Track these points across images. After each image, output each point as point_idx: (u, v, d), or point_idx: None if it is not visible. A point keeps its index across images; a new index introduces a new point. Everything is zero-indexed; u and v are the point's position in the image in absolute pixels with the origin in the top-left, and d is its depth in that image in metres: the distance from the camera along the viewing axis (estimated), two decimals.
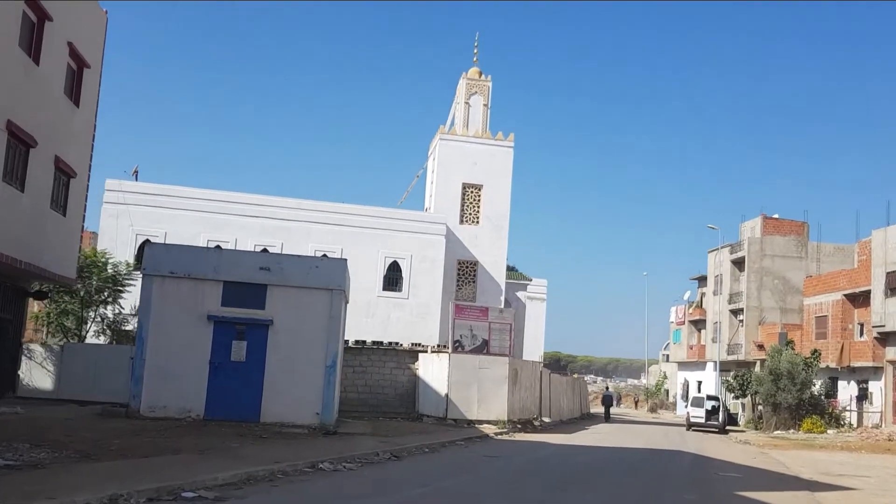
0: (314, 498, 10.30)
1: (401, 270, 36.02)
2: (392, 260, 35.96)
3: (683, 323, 62.69)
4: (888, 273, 35.55)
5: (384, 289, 35.84)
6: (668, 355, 73.72)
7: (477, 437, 22.41)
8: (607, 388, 66.31)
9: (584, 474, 15.29)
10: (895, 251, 35.54)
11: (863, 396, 38.46)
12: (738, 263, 52.12)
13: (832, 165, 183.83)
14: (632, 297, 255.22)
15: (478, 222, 38.94)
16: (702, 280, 60.97)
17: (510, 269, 49.39)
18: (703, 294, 60.79)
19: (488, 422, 25.94)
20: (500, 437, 23.96)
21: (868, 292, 37.43)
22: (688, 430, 37.72)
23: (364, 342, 28.43)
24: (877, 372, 37.17)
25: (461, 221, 38.71)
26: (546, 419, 33.15)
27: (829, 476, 17.65)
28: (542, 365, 36.24)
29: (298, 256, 20.34)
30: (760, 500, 12.91)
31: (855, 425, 37.36)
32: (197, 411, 18.81)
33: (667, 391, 72.16)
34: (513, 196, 39.42)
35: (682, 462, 20.12)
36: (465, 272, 38.73)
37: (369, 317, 35.16)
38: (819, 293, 42.95)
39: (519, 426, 27.23)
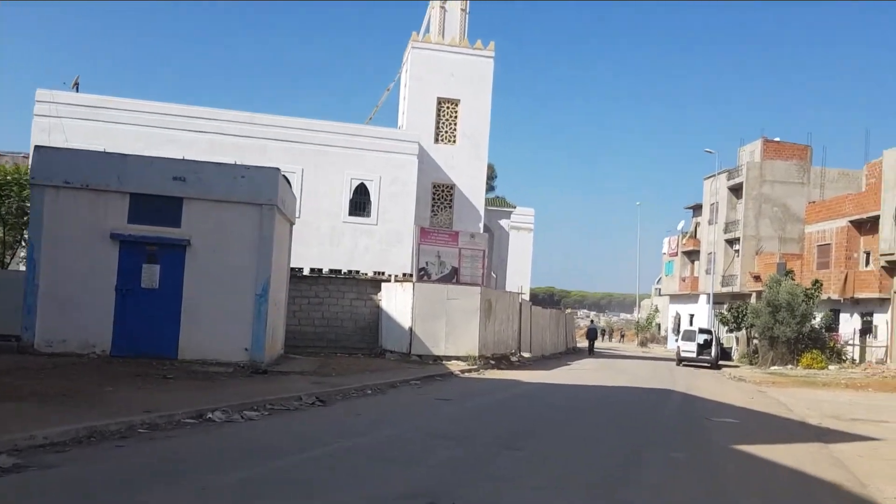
0: (154, 464, 7.47)
1: (369, 194, 32.80)
2: (359, 182, 32.68)
3: (676, 254, 60.12)
4: None
5: (350, 214, 32.68)
6: (660, 289, 71.42)
7: (438, 376, 19.76)
8: (592, 321, 64.32)
9: (547, 422, 12.56)
10: None
11: (867, 330, 36.10)
12: (736, 190, 49.17)
13: (838, 85, 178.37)
14: (626, 229, 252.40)
15: (454, 141, 35.56)
16: (697, 209, 58.14)
17: (496, 199, 46.23)
18: (697, 224, 58.02)
19: (457, 358, 23.39)
20: (467, 374, 21.39)
21: (876, 218, 34.61)
22: (678, 364, 35.56)
23: (320, 271, 25.60)
24: (883, 304, 34.66)
25: (436, 140, 35.31)
26: (526, 354, 30.75)
27: (840, 421, 15.00)
28: (523, 296, 33.52)
29: (219, 164, 17.16)
30: (763, 457, 10.20)
31: (857, 361, 35.07)
32: (102, 346, 16.07)
33: (658, 325, 70.12)
34: (493, 115, 35.99)
35: (669, 404, 17.46)
36: (440, 196, 35.58)
37: (335, 245, 32.18)
38: (822, 220, 40.14)
39: (493, 362, 24.75)
